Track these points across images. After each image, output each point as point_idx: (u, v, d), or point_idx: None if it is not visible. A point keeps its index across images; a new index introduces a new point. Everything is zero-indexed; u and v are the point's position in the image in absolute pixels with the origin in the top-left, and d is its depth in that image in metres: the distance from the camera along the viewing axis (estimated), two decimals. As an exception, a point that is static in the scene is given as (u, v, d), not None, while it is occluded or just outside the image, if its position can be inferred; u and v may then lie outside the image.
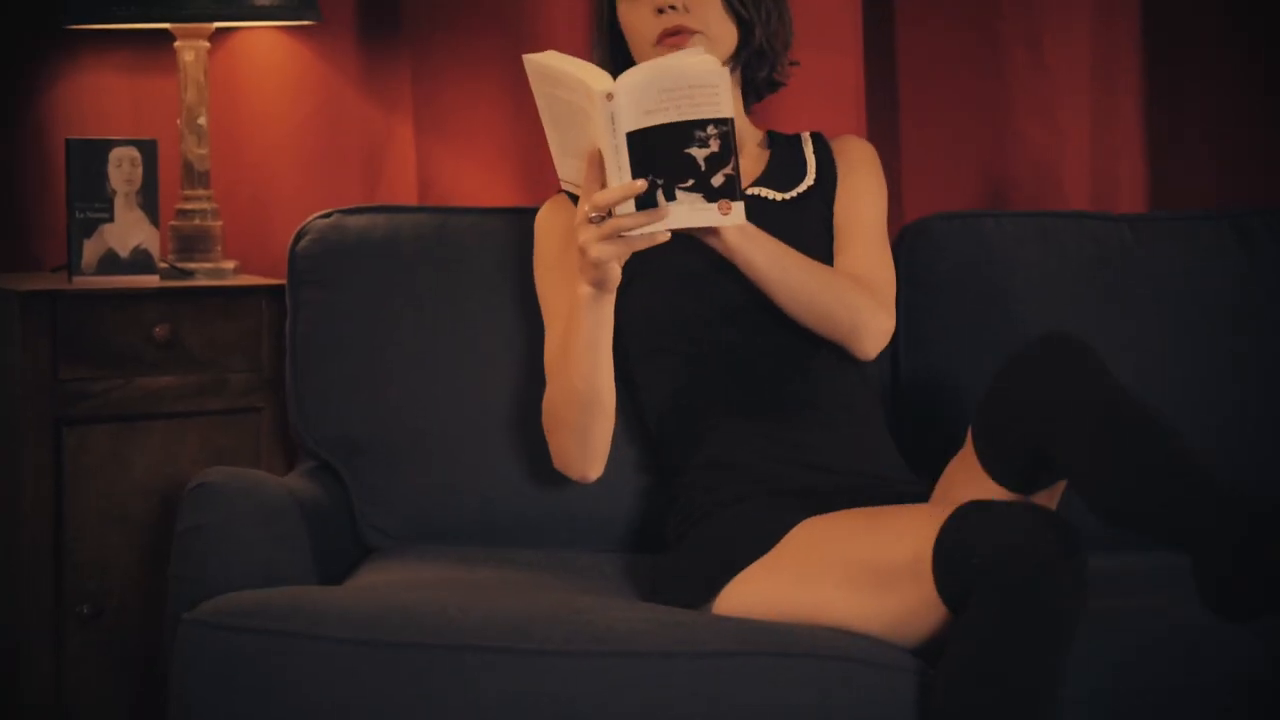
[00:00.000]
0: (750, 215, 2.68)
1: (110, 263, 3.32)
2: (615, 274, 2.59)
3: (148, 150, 3.35)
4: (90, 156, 3.32)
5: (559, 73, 2.48)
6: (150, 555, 3.23)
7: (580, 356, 2.70)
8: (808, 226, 2.90)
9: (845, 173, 2.98)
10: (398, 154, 3.64)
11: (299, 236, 3.20)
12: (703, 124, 2.43)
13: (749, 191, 2.92)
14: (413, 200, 3.64)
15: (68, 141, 3.32)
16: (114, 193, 3.33)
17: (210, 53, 3.45)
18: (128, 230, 3.33)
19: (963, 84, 3.68)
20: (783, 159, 2.99)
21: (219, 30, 3.48)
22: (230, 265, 3.44)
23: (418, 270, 3.15)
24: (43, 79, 3.51)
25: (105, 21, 3.36)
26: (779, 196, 2.93)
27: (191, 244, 3.44)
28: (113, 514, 3.23)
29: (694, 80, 2.42)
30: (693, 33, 2.82)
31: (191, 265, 3.41)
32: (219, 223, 3.46)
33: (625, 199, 2.48)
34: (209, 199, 3.45)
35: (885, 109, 3.70)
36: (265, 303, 3.33)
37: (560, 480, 3.04)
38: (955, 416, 3.09)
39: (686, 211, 2.49)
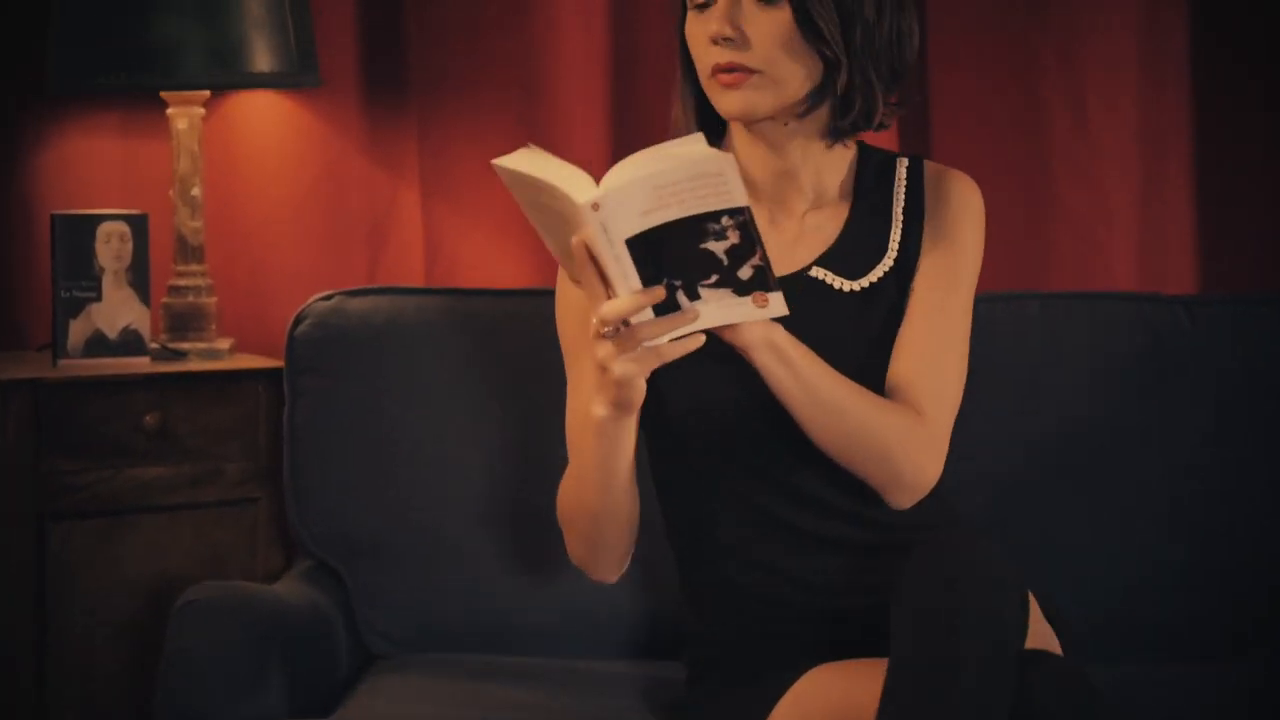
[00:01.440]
0: (807, 302, 2.36)
1: (98, 344, 3.14)
2: (640, 391, 2.24)
3: (138, 225, 3.17)
4: (77, 232, 3.14)
5: (536, 181, 2.14)
6: (139, 660, 3.03)
7: (591, 476, 2.37)
8: (876, 324, 2.44)
9: (934, 237, 2.47)
10: (404, 220, 3.46)
11: (298, 321, 3.00)
12: (715, 216, 2.11)
13: (811, 272, 2.45)
14: (419, 270, 3.47)
15: (53, 217, 3.14)
16: (102, 270, 3.15)
17: (205, 118, 3.26)
18: (116, 310, 3.15)
19: (1001, 148, 3.48)
20: (862, 222, 2.48)
21: (214, 93, 3.29)
22: (225, 345, 3.25)
23: (424, 357, 2.96)
24: (26, 144, 3.33)
25: (92, 91, 3.20)
26: (846, 286, 2.46)
27: (184, 322, 3.25)
28: (99, 615, 3.04)
29: (693, 171, 2.08)
30: (750, 72, 2.36)
31: (184, 345, 3.23)
32: (213, 299, 3.27)
33: (640, 309, 2.15)
34: (203, 274, 3.27)
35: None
36: (262, 387, 3.15)
37: (574, 584, 2.85)
38: (1000, 518, 2.89)
39: (716, 309, 2.18)
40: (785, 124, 2.43)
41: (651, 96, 3.45)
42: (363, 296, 3.02)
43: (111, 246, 3.15)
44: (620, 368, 2.19)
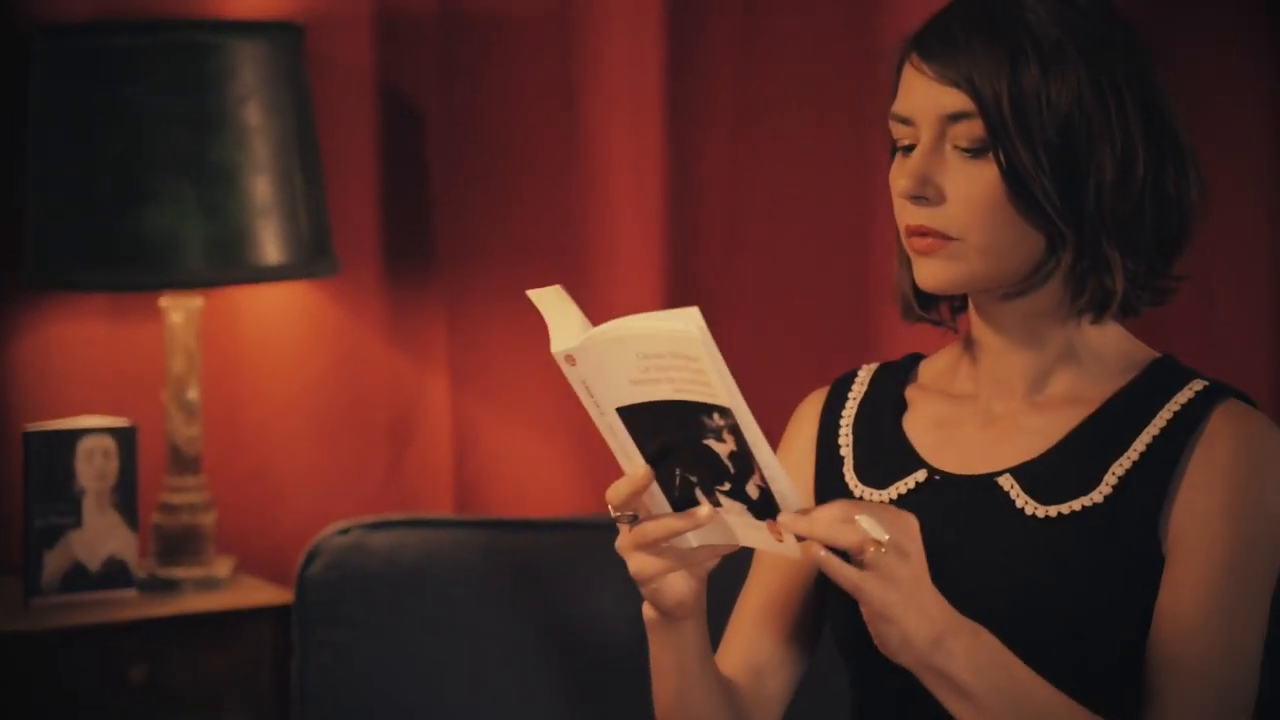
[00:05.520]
0: (980, 516, 1.90)
1: (77, 578, 2.76)
2: (672, 594, 1.83)
3: (124, 438, 2.77)
4: (54, 450, 2.76)
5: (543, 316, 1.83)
6: None
7: (655, 681, 1.96)
8: (1054, 564, 1.90)
9: (1216, 505, 1.87)
10: (430, 413, 3.10)
11: (310, 558, 2.58)
12: (707, 409, 1.73)
13: (1000, 480, 1.94)
14: (448, 472, 3.10)
15: (25, 435, 2.74)
16: (83, 491, 2.77)
17: (203, 309, 2.86)
18: (99, 538, 2.78)
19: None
20: (1091, 438, 1.93)
21: (214, 281, 2.90)
22: (225, 569, 2.86)
23: (459, 604, 2.55)
24: (-2, 335, 2.93)
25: (77, 288, 2.81)
26: (1032, 508, 1.91)
27: (177, 545, 2.85)
28: None
29: (673, 347, 1.72)
30: (946, 240, 1.89)
31: (178, 572, 2.84)
32: (211, 516, 2.86)
33: (634, 493, 1.78)
34: (200, 488, 2.87)
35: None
36: (267, 628, 2.76)
37: None
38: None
39: (738, 525, 1.79)
40: (1002, 300, 1.93)
41: (711, 279, 3.09)
42: (386, 530, 2.60)
43: (94, 465, 2.75)
44: (633, 563, 1.80)
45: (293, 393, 3.02)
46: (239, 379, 3.00)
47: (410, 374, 3.07)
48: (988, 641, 1.77)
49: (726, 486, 1.75)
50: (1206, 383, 1.92)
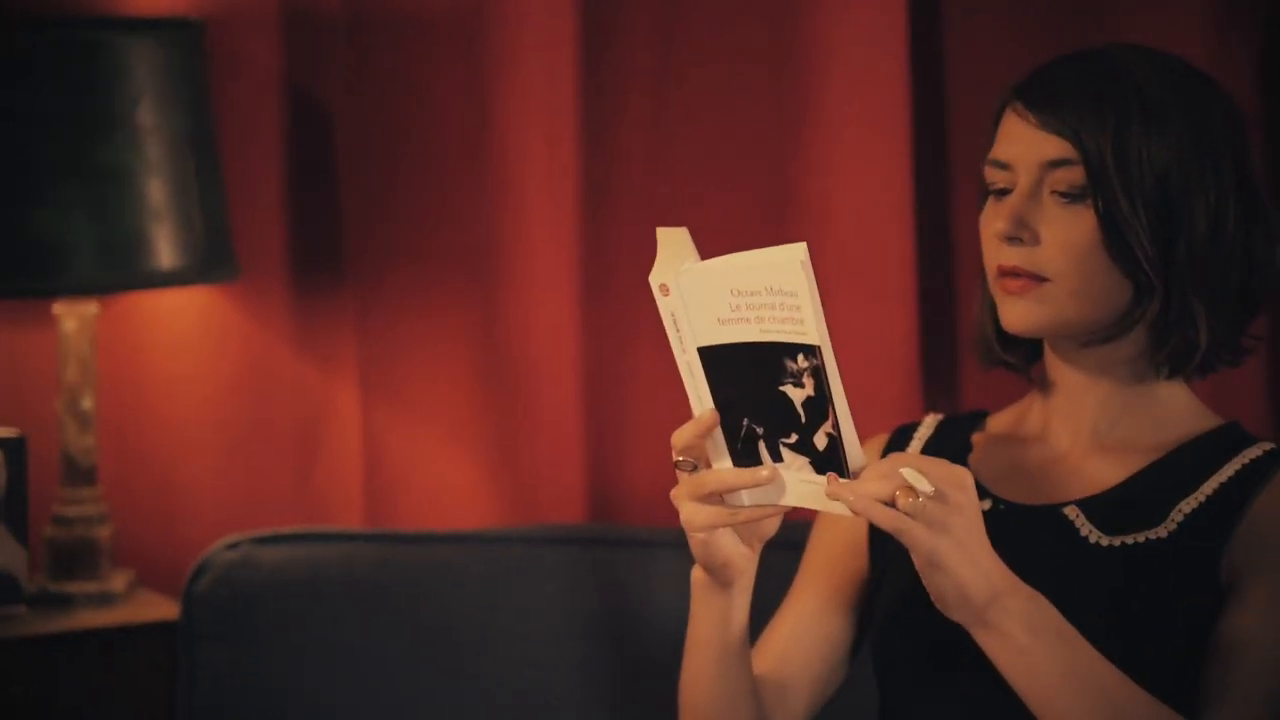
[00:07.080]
0: (1043, 544, 1.96)
1: None
2: (722, 552, 1.87)
3: (13, 449, 2.70)
4: None
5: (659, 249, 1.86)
6: None
7: (689, 655, 1.98)
8: (1116, 593, 1.94)
9: (1254, 537, 1.93)
10: (339, 424, 2.99)
11: (197, 573, 2.52)
12: (791, 350, 1.74)
13: (1065, 510, 2.00)
14: (358, 484, 2.99)
15: (-93, 448, 2.65)
16: None
17: (99, 316, 2.78)
18: None
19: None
20: (1154, 482, 2.00)
21: (109, 287, 2.81)
22: (121, 583, 2.78)
23: (353, 623, 2.48)
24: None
25: None
26: (1095, 537, 1.97)
27: (71, 558, 2.77)
28: None
29: (768, 282, 1.74)
30: (1039, 280, 1.96)
31: (71, 587, 2.75)
32: (107, 530, 2.78)
33: (699, 435, 1.81)
34: (95, 500, 2.78)
35: (945, 375, 3.01)
36: (161, 645, 2.66)
37: None
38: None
39: (794, 483, 1.79)
40: (1083, 346, 2.01)
41: (628, 285, 2.99)
42: (277, 544, 2.54)
43: (-19, 478, 2.67)
44: (685, 511, 1.85)
45: (195, 401, 2.92)
46: (137, 387, 2.91)
47: (318, 383, 2.97)
48: (1045, 606, 1.80)
49: (793, 438, 1.77)
50: (1275, 445, 1.99)
